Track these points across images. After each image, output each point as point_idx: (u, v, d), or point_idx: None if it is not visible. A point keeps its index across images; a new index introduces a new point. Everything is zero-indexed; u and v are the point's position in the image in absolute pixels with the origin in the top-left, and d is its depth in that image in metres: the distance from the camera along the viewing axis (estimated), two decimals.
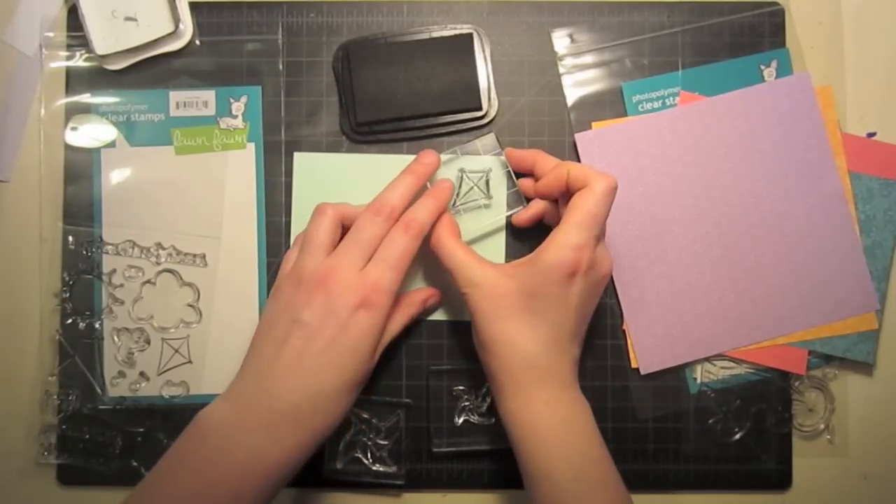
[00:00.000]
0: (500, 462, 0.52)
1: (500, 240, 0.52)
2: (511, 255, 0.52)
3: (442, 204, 0.48)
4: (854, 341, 0.52)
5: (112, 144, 0.53)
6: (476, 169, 0.52)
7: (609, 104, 0.53)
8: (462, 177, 0.52)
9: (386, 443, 0.52)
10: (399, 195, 0.46)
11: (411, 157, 0.50)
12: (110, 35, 0.52)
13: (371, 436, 0.52)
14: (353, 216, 0.47)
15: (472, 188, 0.52)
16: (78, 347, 0.52)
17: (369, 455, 0.52)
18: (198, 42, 0.53)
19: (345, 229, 0.47)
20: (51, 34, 0.53)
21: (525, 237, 0.52)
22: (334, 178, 0.53)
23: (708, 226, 0.52)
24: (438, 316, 0.53)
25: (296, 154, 0.53)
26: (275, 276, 0.52)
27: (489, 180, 0.52)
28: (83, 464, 0.52)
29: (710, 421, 0.53)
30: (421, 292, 0.51)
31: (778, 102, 0.52)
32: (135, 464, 0.52)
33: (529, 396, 0.44)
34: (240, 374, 0.45)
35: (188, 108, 0.53)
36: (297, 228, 0.52)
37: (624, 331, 0.53)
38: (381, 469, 0.52)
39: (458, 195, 0.52)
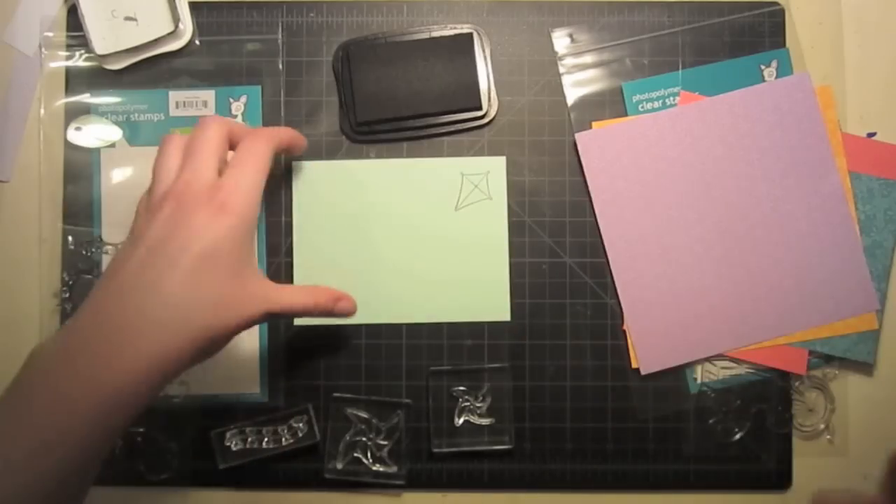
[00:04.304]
0: (500, 462, 0.52)
1: (503, 234, 0.52)
2: (513, 253, 0.52)
3: (292, 135, 0.47)
4: (854, 341, 0.52)
5: (112, 144, 0.53)
6: (476, 171, 0.52)
7: (609, 104, 0.53)
8: (462, 179, 0.52)
9: (386, 443, 0.52)
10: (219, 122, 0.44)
11: (410, 161, 0.51)
12: (110, 35, 0.52)
13: (371, 436, 0.52)
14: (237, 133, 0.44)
15: (473, 189, 0.52)
16: None
17: (369, 455, 0.52)
18: (198, 42, 0.53)
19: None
20: (50, 34, 0.53)
21: (525, 233, 0.52)
22: (333, 186, 0.53)
23: (708, 226, 0.52)
24: (438, 316, 0.53)
25: (293, 164, 0.52)
26: (274, 276, 0.52)
27: (489, 180, 0.52)
28: None
29: (710, 421, 0.53)
30: (335, 291, 0.46)
31: (778, 102, 0.52)
32: (135, 464, 0.52)
33: None
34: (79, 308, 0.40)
35: (188, 108, 0.53)
36: (298, 232, 0.52)
37: (624, 331, 0.53)
38: (381, 469, 0.52)
39: (460, 197, 0.52)
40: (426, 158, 0.53)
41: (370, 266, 0.52)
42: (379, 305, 0.52)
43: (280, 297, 0.43)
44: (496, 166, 0.52)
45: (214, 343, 0.40)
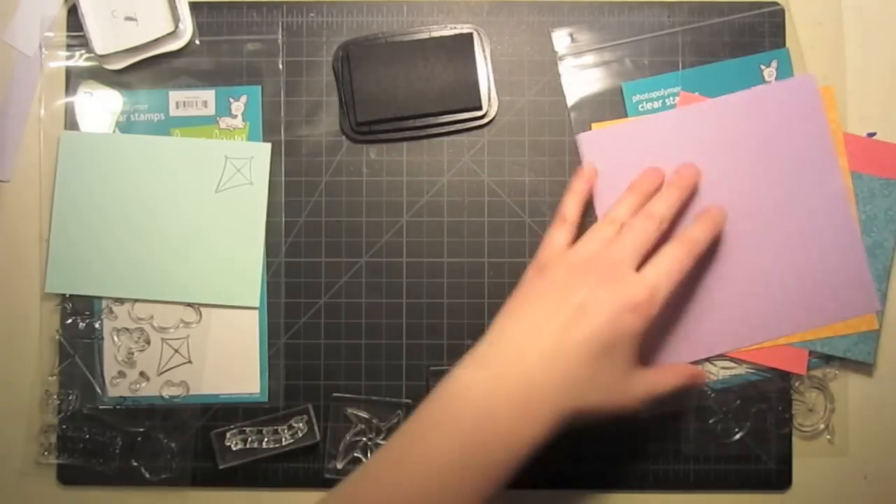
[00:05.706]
0: None
1: (261, 220, 0.52)
2: (513, 253, 0.52)
3: (717, 229, 0.49)
4: (854, 341, 0.52)
5: None
6: (239, 156, 0.52)
7: (609, 104, 0.53)
8: (226, 162, 0.52)
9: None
10: (668, 206, 0.47)
11: (176, 140, 0.51)
12: (110, 35, 0.52)
13: (371, 436, 0.52)
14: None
15: (235, 173, 0.52)
16: (78, 347, 0.52)
17: (369, 455, 0.52)
18: (198, 42, 0.53)
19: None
20: (51, 34, 0.53)
21: (525, 233, 0.52)
22: (100, 160, 0.52)
23: None
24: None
25: (62, 134, 0.52)
26: (274, 276, 0.52)
27: (252, 166, 0.52)
28: (83, 464, 0.52)
29: (710, 421, 0.53)
30: (690, 367, 0.50)
31: (782, 104, 0.52)
32: (135, 464, 0.52)
33: None
34: (488, 342, 0.43)
35: (188, 108, 0.53)
36: (59, 204, 0.52)
37: None
38: None
39: (221, 179, 0.52)
40: (192, 139, 0.52)
41: (130, 243, 0.52)
42: (136, 283, 0.52)
43: (653, 382, 0.45)
44: (260, 152, 0.52)
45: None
